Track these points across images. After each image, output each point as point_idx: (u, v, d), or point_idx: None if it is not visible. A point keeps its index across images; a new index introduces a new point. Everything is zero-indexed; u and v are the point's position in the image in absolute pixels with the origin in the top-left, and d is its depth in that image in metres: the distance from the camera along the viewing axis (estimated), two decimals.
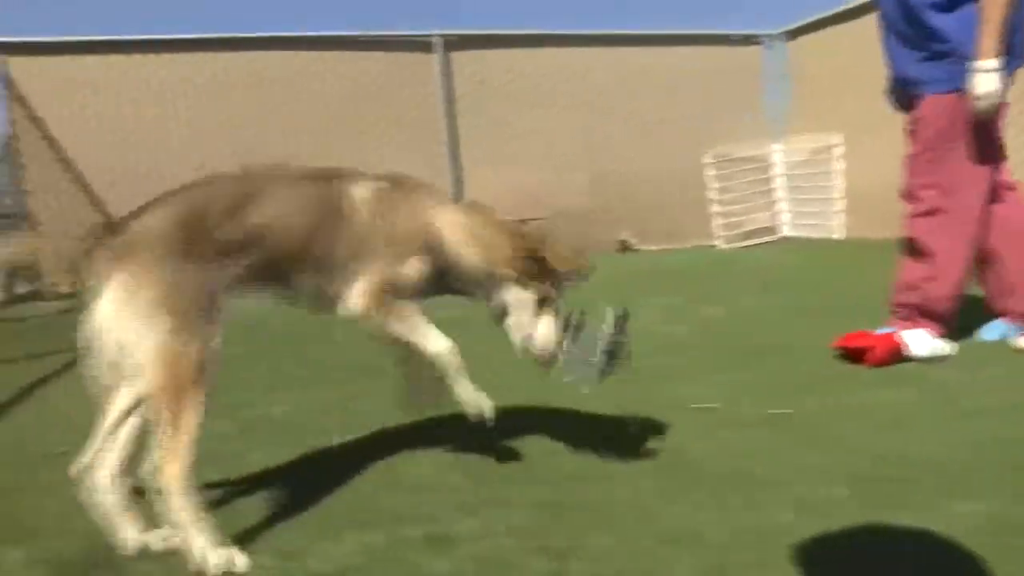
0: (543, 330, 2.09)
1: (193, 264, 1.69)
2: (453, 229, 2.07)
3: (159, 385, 1.62)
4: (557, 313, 2.12)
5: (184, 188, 1.85)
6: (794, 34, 9.74)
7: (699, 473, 2.12)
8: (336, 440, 2.52)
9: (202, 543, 1.62)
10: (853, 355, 3.15)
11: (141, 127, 7.97)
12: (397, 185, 2.08)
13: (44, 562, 1.72)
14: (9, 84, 7.63)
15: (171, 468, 1.61)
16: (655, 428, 2.47)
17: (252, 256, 1.81)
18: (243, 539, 1.77)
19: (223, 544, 1.65)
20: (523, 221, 2.37)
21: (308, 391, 3.28)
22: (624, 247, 9.40)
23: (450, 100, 8.74)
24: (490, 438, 2.36)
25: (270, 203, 1.87)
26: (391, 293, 1.97)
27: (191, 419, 1.63)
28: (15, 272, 7.69)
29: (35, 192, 7.74)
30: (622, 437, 2.41)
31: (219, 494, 2.07)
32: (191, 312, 1.66)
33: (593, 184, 9.32)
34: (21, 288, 7.69)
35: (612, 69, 9.25)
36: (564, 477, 2.13)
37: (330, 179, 2.01)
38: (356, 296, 1.95)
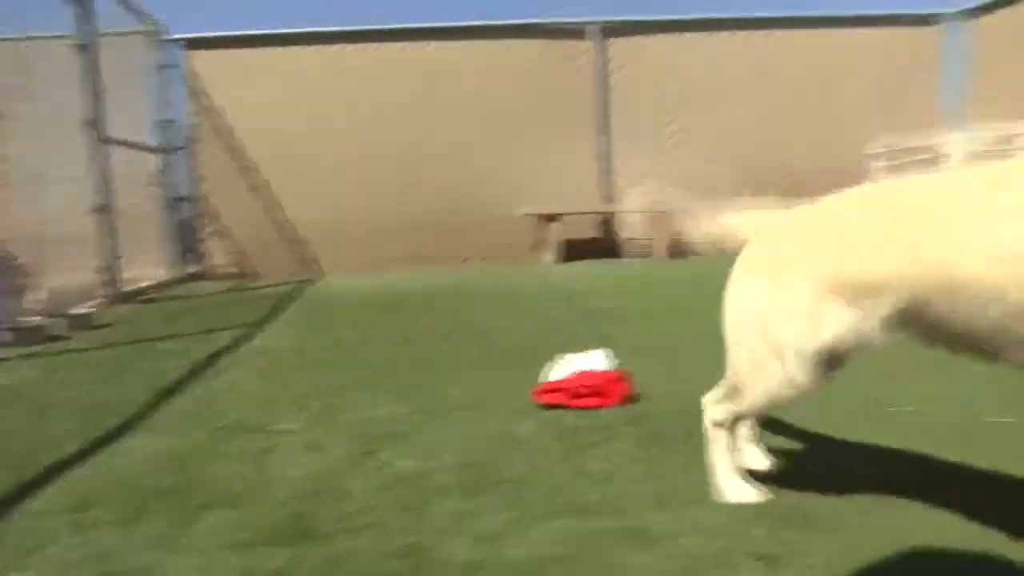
0: None
1: None
2: None
3: None
4: None
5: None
6: (976, 13, 8.93)
7: None
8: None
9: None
10: None
11: (301, 116, 8.30)
12: None
13: (251, 527, 1.75)
14: (192, 77, 8.15)
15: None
16: None
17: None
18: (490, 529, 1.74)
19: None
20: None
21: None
22: None
23: (603, 88, 8.59)
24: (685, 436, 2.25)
25: None
26: None
27: None
28: (187, 252, 8.24)
29: (207, 178, 8.27)
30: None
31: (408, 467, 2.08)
32: None
33: (745, 176, 8.90)
34: (191, 268, 8.22)
35: (769, 55, 8.79)
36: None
37: None
38: None
